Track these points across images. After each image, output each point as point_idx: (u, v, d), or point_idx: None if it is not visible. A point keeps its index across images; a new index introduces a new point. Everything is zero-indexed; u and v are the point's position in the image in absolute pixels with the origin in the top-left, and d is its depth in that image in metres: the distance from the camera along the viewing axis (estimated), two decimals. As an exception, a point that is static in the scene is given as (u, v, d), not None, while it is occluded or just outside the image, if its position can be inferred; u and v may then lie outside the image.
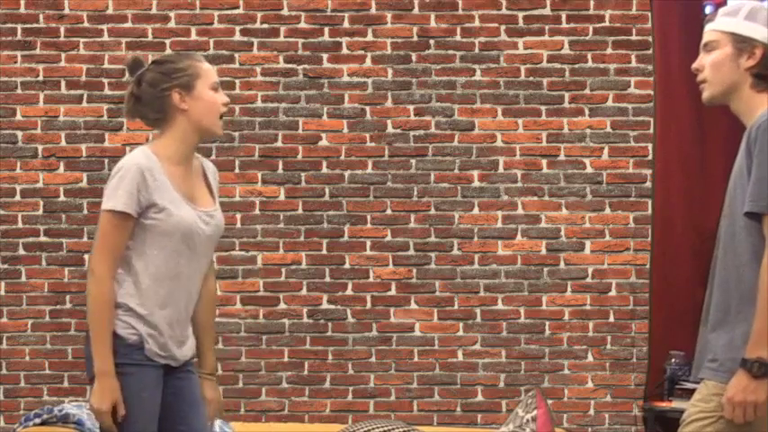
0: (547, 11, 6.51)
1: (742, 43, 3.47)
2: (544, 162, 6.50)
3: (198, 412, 3.95)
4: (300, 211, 6.46)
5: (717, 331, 3.41)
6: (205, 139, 4.04)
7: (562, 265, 6.47)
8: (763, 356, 3.25)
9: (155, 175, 3.80)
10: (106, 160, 6.49)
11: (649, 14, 6.48)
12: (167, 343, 3.84)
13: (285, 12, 6.53)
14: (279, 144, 6.50)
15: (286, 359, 6.45)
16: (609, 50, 6.50)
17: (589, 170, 6.50)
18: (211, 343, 4.10)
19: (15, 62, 6.50)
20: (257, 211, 6.47)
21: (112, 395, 3.72)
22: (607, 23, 6.50)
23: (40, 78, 6.51)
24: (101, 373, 3.73)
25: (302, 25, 6.53)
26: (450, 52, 6.52)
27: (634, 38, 6.49)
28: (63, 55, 6.51)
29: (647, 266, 6.46)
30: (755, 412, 3.29)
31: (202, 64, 3.95)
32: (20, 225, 6.48)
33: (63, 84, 6.52)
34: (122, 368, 3.75)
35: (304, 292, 6.45)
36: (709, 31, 3.55)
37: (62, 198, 6.49)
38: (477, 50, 6.51)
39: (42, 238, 6.48)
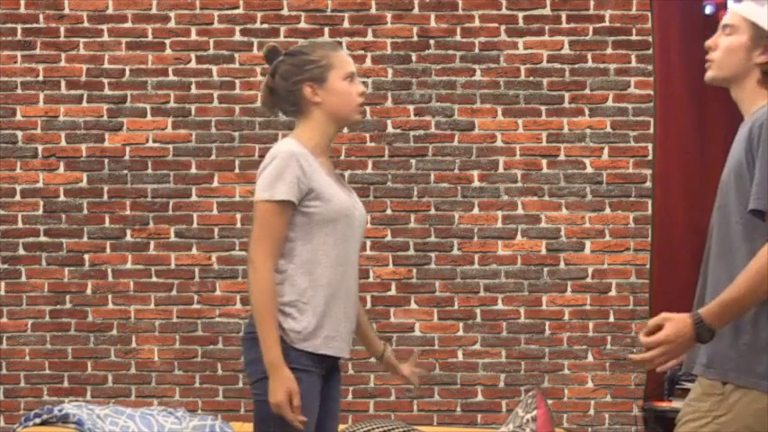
0: (547, 11, 6.51)
1: (759, 36, 3.38)
2: (544, 162, 6.50)
3: (334, 424, 3.88)
4: (300, 211, 6.46)
5: None
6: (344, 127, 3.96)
7: (562, 265, 6.47)
8: (715, 326, 3.22)
9: (309, 161, 3.70)
10: (106, 160, 6.49)
11: (649, 14, 6.48)
12: (344, 332, 3.74)
13: (285, 12, 6.53)
14: (279, 144, 6.49)
15: (286, 359, 6.44)
16: (609, 50, 6.50)
17: (589, 170, 6.50)
18: (371, 325, 4.12)
19: (15, 62, 6.50)
20: (257, 211, 6.47)
21: (289, 384, 3.58)
22: (607, 23, 6.50)
23: (40, 78, 6.51)
24: (273, 366, 3.58)
25: (302, 25, 6.53)
26: (450, 52, 6.52)
27: (634, 38, 6.49)
28: (63, 55, 6.51)
29: (647, 266, 6.46)
30: (664, 362, 3.26)
31: (337, 53, 3.83)
32: (20, 225, 6.48)
33: (63, 84, 6.52)
34: (293, 373, 3.62)
35: (304, 292, 6.45)
36: (733, 13, 3.45)
37: (62, 198, 6.49)
38: (477, 50, 6.51)
39: (42, 238, 6.48)
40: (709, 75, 3.48)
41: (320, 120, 3.80)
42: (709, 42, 3.48)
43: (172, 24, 6.52)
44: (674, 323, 3.23)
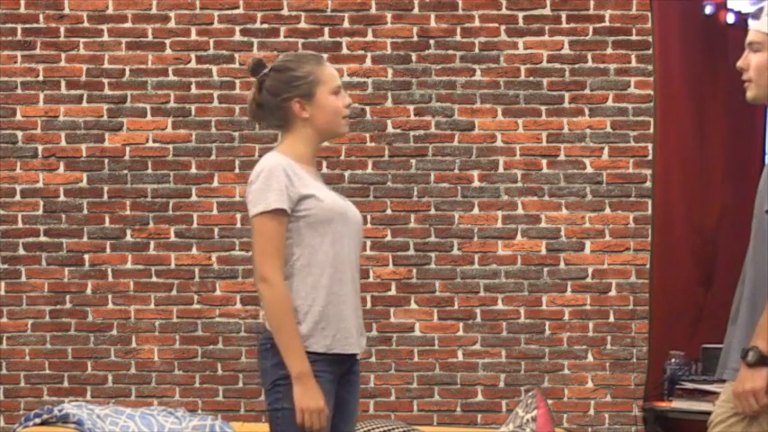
0: (547, 11, 6.51)
1: None
2: (544, 162, 6.50)
3: (348, 428, 3.86)
4: (300, 211, 6.46)
5: (742, 330, 3.38)
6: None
7: (562, 265, 6.47)
8: (759, 346, 3.23)
9: (295, 170, 3.76)
10: (106, 160, 6.49)
11: (649, 14, 6.48)
12: (352, 328, 3.76)
13: (285, 12, 6.53)
14: (279, 144, 6.50)
15: (286, 359, 6.44)
16: (609, 50, 6.50)
17: (589, 170, 6.50)
18: None
19: (15, 62, 6.50)
20: (257, 211, 6.46)
21: (319, 395, 3.62)
22: (607, 23, 6.50)
23: (40, 78, 6.51)
24: (303, 376, 3.62)
25: (302, 25, 6.53)
26: (450, 52, 6.52)
27: (634, 38, 6.49)
28: (63, 55, 6.51)
29: (647, 266, 6.46)
30: (757, 401, 3.26)
31: (324, 68, 3.91)
32: (20, 225, 6.48)
33: (63, 84, 6.52)
34: None
35: (304, 292, 6.45)
36: (754, 31, 3.45)
37: (62, 198, 6.49)
38: (477, 50, 6.51)
39: (42, 238, 6.48)
40: (749, 95, 3.49)
41: (307, 133, 3.86)
42: (740, 63, 3.48)
43: (172, 24, 6.52)
44: (737, 379, 3.30)
